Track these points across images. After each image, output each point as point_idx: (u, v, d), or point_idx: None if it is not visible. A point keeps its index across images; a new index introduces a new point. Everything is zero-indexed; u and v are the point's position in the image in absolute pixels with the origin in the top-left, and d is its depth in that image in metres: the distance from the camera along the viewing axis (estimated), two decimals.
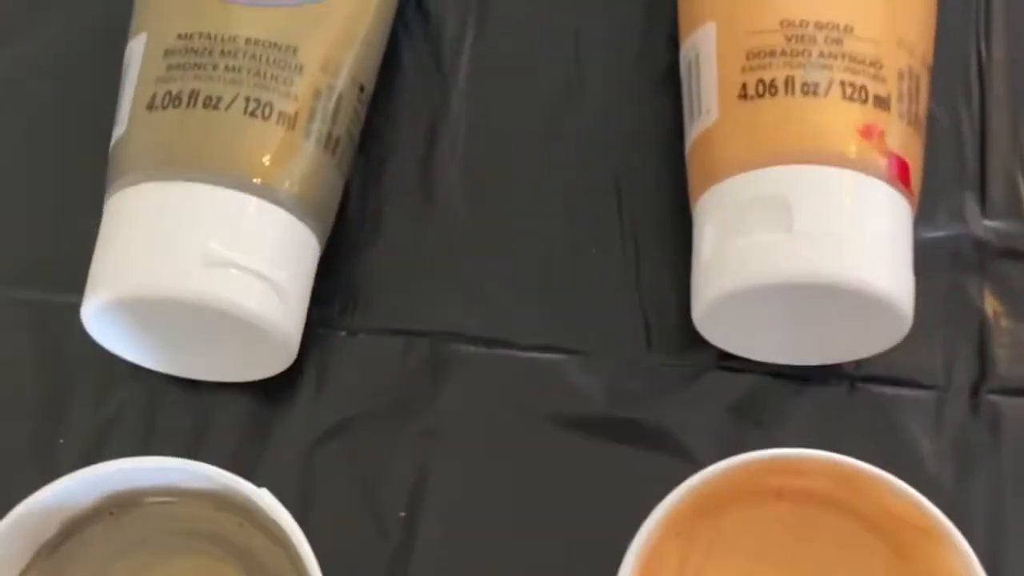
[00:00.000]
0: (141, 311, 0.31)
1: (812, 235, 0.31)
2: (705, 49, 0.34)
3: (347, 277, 0.36)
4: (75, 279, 0.33)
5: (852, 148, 0.32)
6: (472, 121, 0.38)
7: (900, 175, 0.32)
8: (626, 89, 0.38)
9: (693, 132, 0.34)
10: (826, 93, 0.32)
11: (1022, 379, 0.35)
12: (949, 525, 0.26)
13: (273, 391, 0.35)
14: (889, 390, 0.35)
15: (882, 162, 0.32)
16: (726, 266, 0.32)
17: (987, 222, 0.36)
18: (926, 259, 0.36)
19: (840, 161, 0.32)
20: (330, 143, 0.33)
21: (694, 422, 0.35)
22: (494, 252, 0.36)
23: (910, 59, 0.33)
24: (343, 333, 0.36)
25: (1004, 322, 0.35)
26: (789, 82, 0.32)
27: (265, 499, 0.26)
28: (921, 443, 0.34)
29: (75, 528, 0.28)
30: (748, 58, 0.33)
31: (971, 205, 0.36)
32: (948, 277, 0.36)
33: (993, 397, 0.35)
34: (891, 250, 0.31)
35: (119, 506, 0.28)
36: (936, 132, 0.37)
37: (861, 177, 0.32)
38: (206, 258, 0.30)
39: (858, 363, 0.35)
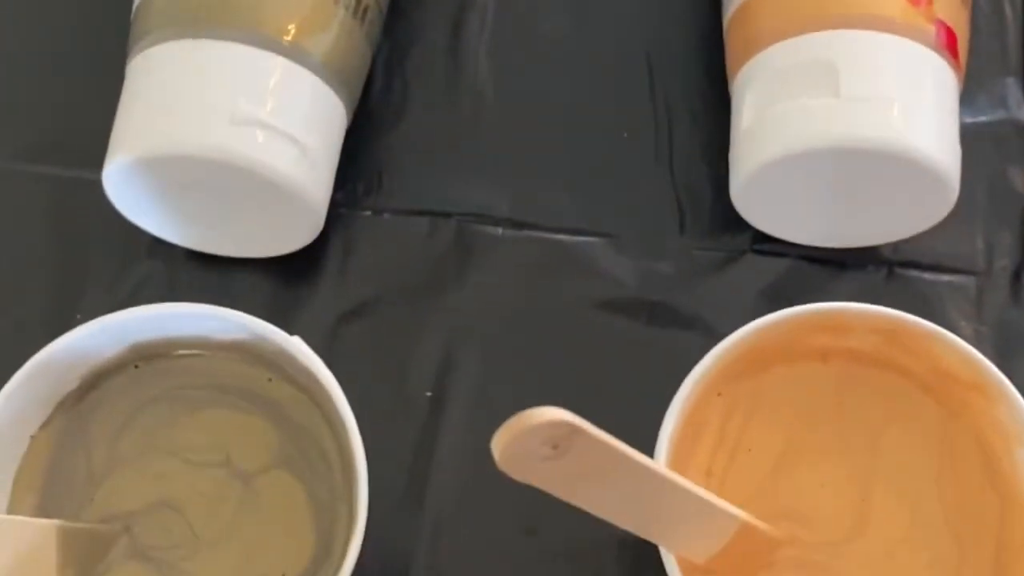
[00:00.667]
0: (164, 172, 0.30)
1: (861, 99, 0.30)
2: None
3: (372, 158, 0.35)
4: (93, 155, 0.31)
5: (899, 13, 0.31)
6: (499, 1, 0.37)
7: (948, 44, 0.31)
8: None
9: (733, 3, 0.33)
10: None
11: None
12: (1004, 380, 0.25)
13: (296, 270, 0.34)
14: (928, 275, 0.34)
15: (930, 29, 0.31)
16: (769, 132, 0.31)
17: None
18: (968, 144, 0.35)
19: (887, 26, 0.31)
20: (359, 10, 0.32)
21: (726, 305, 0.34)
22: (522, 134, 0.35)
23: None
24: (368, 213, 0.35)
25: None
26: None
27: (298, 346, 0.25)
28: (961, 328, 0.33)
29: (98, 380, 0.27)
30: None
31: (1014, 91, 0.36)
32: (990, 162, 0.35)
33: None
34: (939, 118, 0.31)
35: (144, 358, 0.27)
36: (978, 18, 0.36)
37: (908, 43, 0.31)
38: (234, 116, 0.29)
39: (896, 248, 0.34)
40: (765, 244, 0.34)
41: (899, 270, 0.34)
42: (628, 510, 0.22)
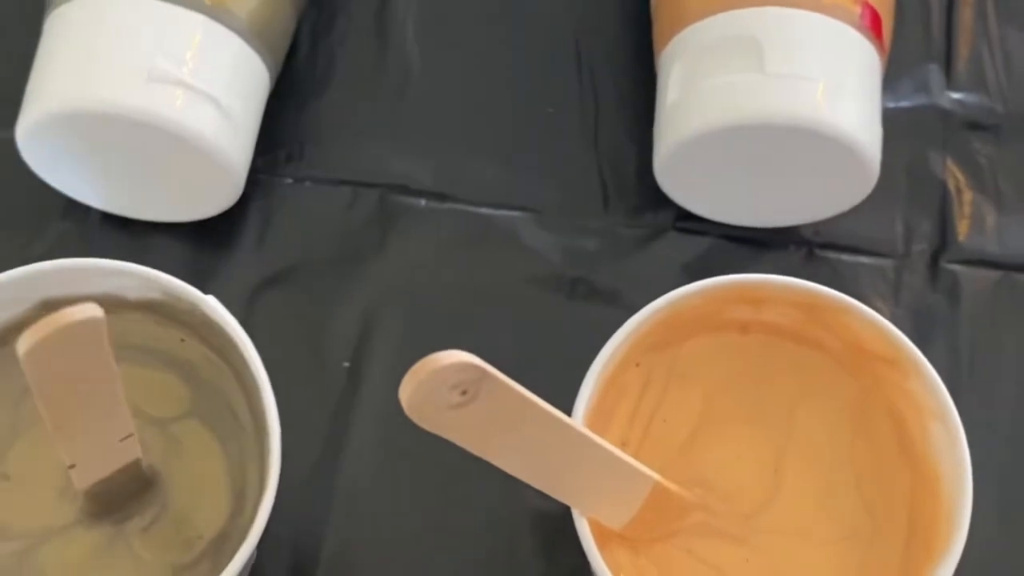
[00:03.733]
0: (79, 131, 0.29)
1: (784, 76, 0.30)
2: None
3: (295, 126, 0.35)
4: (5, 114, 0.31)
5: None
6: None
7: (873, 25, 0.31)
8: None
9: None
10: None
11: (981, 250, 0.34)
12: (918, 354, 0.26)
13: (214, 235, 0.33)
14: (847, 257, 0.34)
15: (856, 10, 0.31)
16: (692, 107, 0.31)
17: (951, 94, 0.36)
18: (889, 128, 0.35)
19: (814, 5, 0.31)
20: None
21: (648, 282, 0.33)
22: (448, 107, 0.35)
23: None
24: (289, 180, 0.34)
25: (965, 193, 0.35)
26: None
27: (213, 306, 0.25)
28: (881, 309, 0.34)
29: (5, 339, 0.26)
30: None
31: (936, 77, 0.36)
32: (911, 147, 0.35)
33: (952, 266, 0.34)
34: (862, 98, 0.31)
35: None
36: (903, 3, 0.36)
37: (834, 23, 0.31)
38: (151, 74, 0.29)
39: (817, 229, 0.34)
40: (687, 222, 0.34)
41: (819, 251, 0.34)
42: (541, 466, 0.22)
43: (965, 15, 0.36)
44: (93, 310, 0.20)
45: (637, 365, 0.27)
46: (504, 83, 0.36)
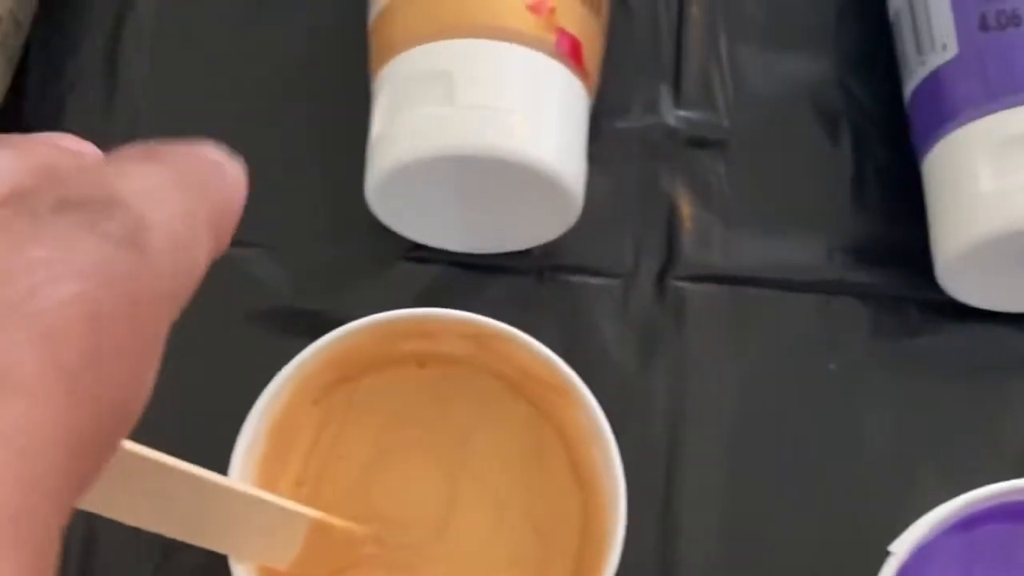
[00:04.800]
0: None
1: (473, 107, 0.30)
2: None
3: None
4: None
5: (520, 22, 0.31)
6: (160, 11, 0.36)
7: (571, 52, 0.32)
8: None
9: (374, 10, 0.33)
10: None
11: (706, 265, 0.35)
12: (578, 383, 0.26)
13: None
14: (577, 278, 0.35)
15: (551, 38, 0.31)
16: (391, 140, 0.31)
17: (679, 112, 0.36)
18: (620, 149, 0.36)
19: (508, 35, 0.31)
20: None
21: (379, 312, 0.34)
22: None
23: None
24: None
25: (691, 210, 0.35)
26: None
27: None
28: (607, 329, 0.34)
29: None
30: None
31: (665, 96, 0.36)
32: (640, 167, 0.36)
33: (678, 283, 0.34)
34: (560, 126, 0.31)
35: None
36: (634, 24, 0.37)
37: (528, 52, 0.31)
38: None
39: (547, 252, 0.35)
40: (417, 251, 0.34)
41: (548, 274, 0.35)
42: (179, 519, 0.22)
43: (694, 34, 0.37)
44: None
45: (315, 404, 0.27)
46: (234, 122, 0.36)
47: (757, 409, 0.33)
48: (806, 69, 0.37)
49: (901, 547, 0.25)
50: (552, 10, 0.32)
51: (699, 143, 0.36)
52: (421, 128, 0.30)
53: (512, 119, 0.30)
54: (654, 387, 0.33)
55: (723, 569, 0.32)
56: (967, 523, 0.26)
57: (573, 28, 0.32)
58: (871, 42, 0.36)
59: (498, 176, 0.31)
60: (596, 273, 0.35)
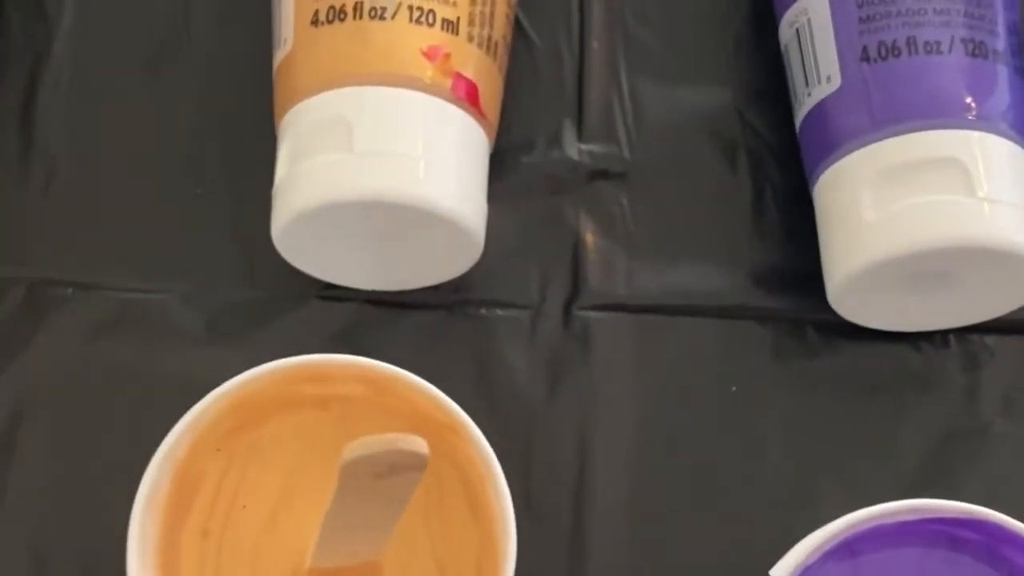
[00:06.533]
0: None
1: (371, 153, 0.31)
2: None
3: None
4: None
5: (416, 69, 0.32)
6: (77, 63, 0.37)
7: (467, 96, 0.33)
8: (229, 23, 0.38)
9: (277, 58, 0.34)
10: (393, 16, 0.33)
11: (610, 294, 0.36)
12: (467, 421, 0.27)
13: None
14: (486, 311, 0.36)
15: (446, 83, 0.32)
16: (293, 188, 0.32)
17: (582, 145, 0.37)
18: (526, 184, 0.37)
19: (404, 82, 0.32)
20: None
21: (299, 352, 0.34)
22: (91, 196, 0.36)
23: None
24: None
25: (595, 240, 0.36)
26: (358, 7, 0.33)
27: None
28: (516, 359, 0.35)
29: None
30: None
31: (569, 130, 0.37)
32: (546, 201, 0.37)
33: (583, 313, 0.35)
34: (456, 167, 0.32)
35: None
36: (536, 59, 0.38)
37: (425, 97, 0.32)
38: None
39: (457, 287, 0.36)
40: (330, 290, 0.35)
41: (459, 308, 0.36)
42: None
43: (596, 68, 0.38)
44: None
45: (219, 451, 0.28)
46: (148, 167, 0.36)
47: (661, 433, 0.34)
48: (705, 100, 0.38)
49: (782, 571, 0.26)
50: (447, 56, 0.33)
51: (602, 175, 0.37)
52: (320, 175, 0.31)
53: (410, 164, 0.31)
54: (562, 414, 0.34)
55: None
56: (852, 547, 0.27)
57: (469, 72, 0.33)
58: (767, 73, 0.38)
59: (399, 219, 0.32)
60: (504, 305, 0.36)
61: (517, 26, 0.38)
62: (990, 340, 0.35)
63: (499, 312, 0.36)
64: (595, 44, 0.38)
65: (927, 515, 0.27)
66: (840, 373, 0.35)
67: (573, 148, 0.37)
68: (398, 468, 0.23)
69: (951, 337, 0.35)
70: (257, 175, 0.36)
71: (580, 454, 0.34)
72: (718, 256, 0.36)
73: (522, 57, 0.38)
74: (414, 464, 0.23)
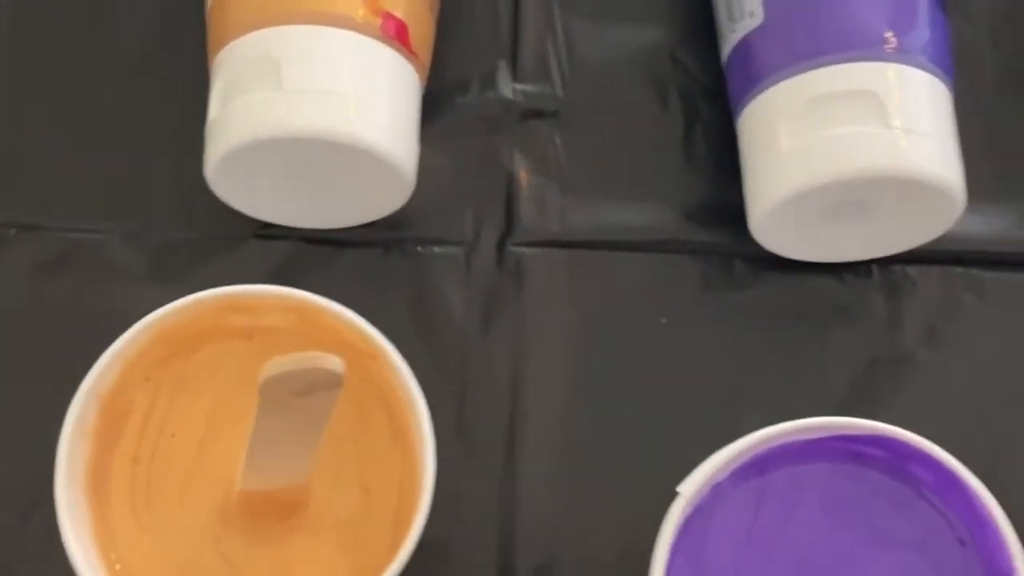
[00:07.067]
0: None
1: (300, 91, 0.32)
2: None
3: None
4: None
5: (346, 8, 0.33)
6: (19, 7, 0.38)
7: (397, 34, 0.33)
8: None
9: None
10: None
11: (543, 231, 0.36)
12: (390, 349, 0.28)
13: None
14: (421, 249, 0.36)
15: (375, 21, 0.33)
16: (224, 126, 0.32)
17: (517, 86, 0.38)
18: (461, 124, 0.38)
19: (333, 20, 0.33)
20: None
21: None
22: (31, 138, 0.37)
23: None
24: None
25: (529, 178, 0.37)
26: None
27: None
28: (451, 295, 0.36)
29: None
30: None
31: (503, 71, 0.38)
32: (481, 140, 0.37)
33: (517, 249, 0.36)
34: (387, 105, 0.33)
35: None
36: (474, 3, 0.38)
37: (354, 36, 0.33)
38: None
39: (393, 225, 0.36)
40: (268, 229, 0.36)
41: (395, 245, 0.36)
42: None
43: (530, 10, 0.39)
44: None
45: (147, 380, 0.29)
46: (89, 110, 0.37)
47: (593, 364, 0.35)
48: (638, 39, 0.39)
49: (688, 487, 0.27)
50: None
51: (535, 114, 0.38)
52: (251, 113, 0.32)
53: (339, 101, 0.32)
54: (496, 347, 0.35)
55: (560, 516, 0.34)
56: (761, 465, 0.28)
57: (399, 11, 0.34)
58: (699, 12, 0.38)
59: (331, 156, 0.32)
60: (440, 243, 0.36)
61: None
62: (912, 270, 0.36)
63: (435, 249, 0.36)
64: None
65: (833, 432, 0.28)
66: (767, 304, 0.36)
67: (508, 88, 0.38)
68: (315, 386, 0.24)
69: (874, 268, 0.36)
70: (195, 115, 0.36)
71: (513, 384, 0.35)
72: (649, 192, 0.37)
73: None
74: (331, 382, 0.24)
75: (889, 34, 0.33)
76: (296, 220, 0.36)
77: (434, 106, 0.37)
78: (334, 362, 0.23)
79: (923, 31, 0.33)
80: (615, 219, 0.37)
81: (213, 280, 0.35)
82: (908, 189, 0.32)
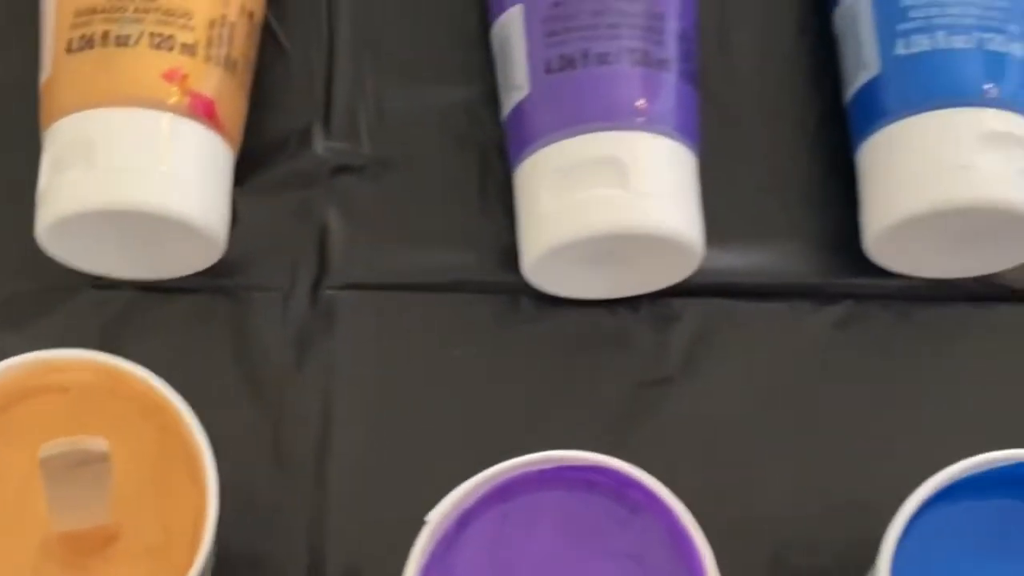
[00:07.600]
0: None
1: (109, 169, 0.36)
2: None
3: None
4: None
5: (157, 91, 0.37)
6: None
7: (205, 111, 0.38)
8: (9, 48, 0.42)
9: (42, 76, 0.39)
10: (136, 43, 0.38)
11: (353, 275, 0.41)
12: (179, 404, 0.32)
13: None
14: (244, 294, 0.41)
15: (185, 100, 0.37)
16: (47, 200, 0.37)
17: (328, 143, 0.42)
18: (279, 180, 0.42)
19: (147, 102, 0.37)
20: None
21: (73, 339, 0.39)
22: None
23: (224, 8, 0.39)
24: None
25: (339, 227, 0.41)
26: (105, 36, 0.38)
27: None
28: (269, 337, 0.40)
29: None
30: (76, 16, 0.38)
31: (317, 130, 0.43)
32: (297, 194, 0.42)
33: (329, 292, 0.41)
34: (194, 176, 0.37)
35: None
36: (289, 65, 0.43)
37: (163, 115, 0.37)
38: None
39: (218, 273, 0.41)
40: (104, 280, 0.41)
41: (220, 291, 0.41)
42: None
43: (342, 72, 0.43)
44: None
45: None
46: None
47: (395, 393, 0.40)
48: (440, 99, 0.43)
49: (435, 515, 0.32)
50: (185, 76, 0.38)
51: (345, 170, 0.42)
52: (73, 188, 0.37)
53: (145, 175, 0.36)
54: (310, 380, 0.40)
55: (366, 528, 0.38)
56: (503, 493, 0.33)
57: (207, 90, 0.38)
58: (495, 76, 0.43)
59: (146, 224, 0.37)
60: (260, 288, 0.41)
61: (270, 36, 0.43)
62: (677, 303, 0.41)
63: (255, 294, 0.41)
64: (342, 49, 0.43)
65: (565, 463, 0.33)
66: (548, 336, 0.41)
67: (320, 146, 0.42)
68: (88, 460, 0.29)
69: (643, 301, 0.41)
70: (33, 178, 0.41)
71: (324, 409, 0.40)
72: (447, 239, 0.42)
73: (275, 65, 0.43)
74: (99, 457, 0.29)
75: (638, 105, 0.37)
76: (128, 272, 0.40)
77: (255, 163, 0.41)
78: (98, 443, 0.28)
79: (667, 101, 0.38)
80: (417, 263, 0.41)
81: (54, 328, 0.40)
82: (649, 243, 0.37)
